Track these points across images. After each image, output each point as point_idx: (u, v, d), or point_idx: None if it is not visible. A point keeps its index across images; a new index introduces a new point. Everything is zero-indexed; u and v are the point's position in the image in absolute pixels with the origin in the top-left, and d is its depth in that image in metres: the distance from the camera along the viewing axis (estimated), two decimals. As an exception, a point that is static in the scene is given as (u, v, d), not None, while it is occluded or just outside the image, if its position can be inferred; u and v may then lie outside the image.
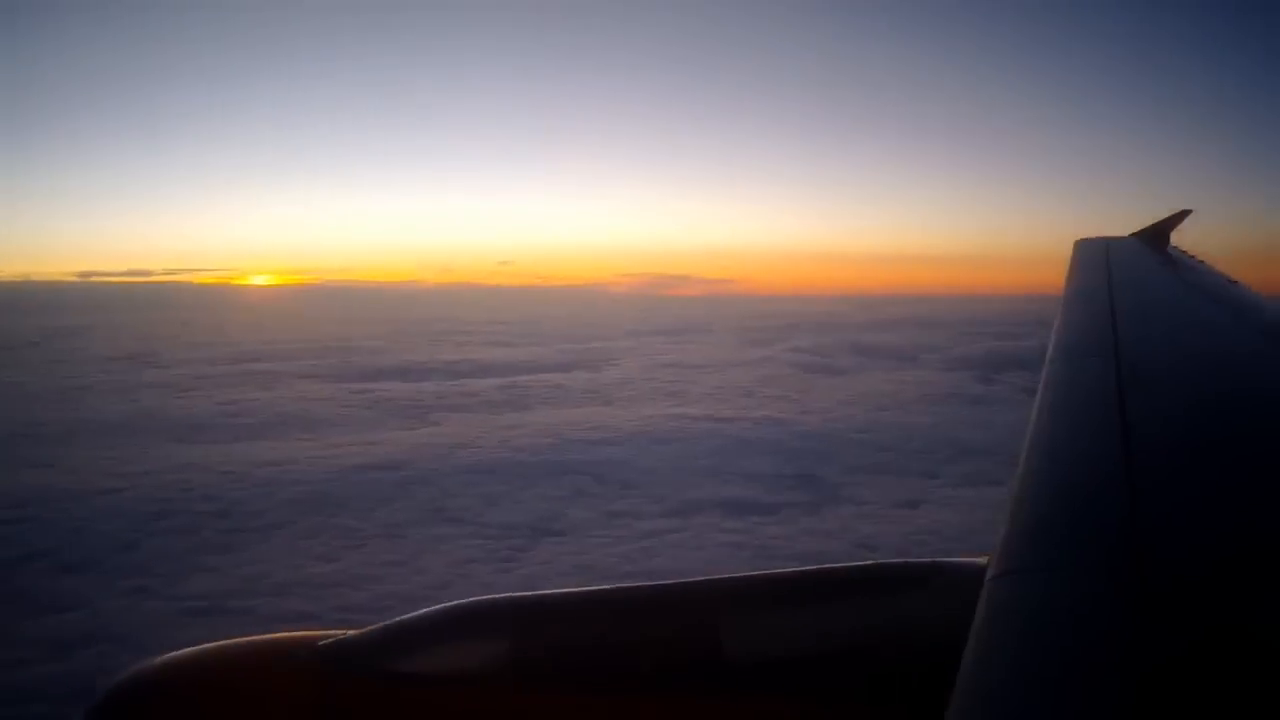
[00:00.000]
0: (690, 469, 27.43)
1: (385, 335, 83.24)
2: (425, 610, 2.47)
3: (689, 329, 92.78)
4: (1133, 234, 7.00)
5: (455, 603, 2.49)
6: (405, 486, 25.88)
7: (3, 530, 21.81)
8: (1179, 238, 6.77)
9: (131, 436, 33.95)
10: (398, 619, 2.45)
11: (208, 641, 2.51)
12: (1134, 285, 5.08)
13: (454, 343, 76.44)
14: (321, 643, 2.39)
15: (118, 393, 46.10)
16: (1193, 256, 6.13)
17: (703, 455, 29.25)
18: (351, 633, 2.44)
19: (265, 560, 19.82)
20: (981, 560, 1.85)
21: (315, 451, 30.80)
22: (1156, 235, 6.72)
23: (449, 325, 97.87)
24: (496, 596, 2.51)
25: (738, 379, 50.62)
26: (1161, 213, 7.08)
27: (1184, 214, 6.82)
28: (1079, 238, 6.77)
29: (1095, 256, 5.89)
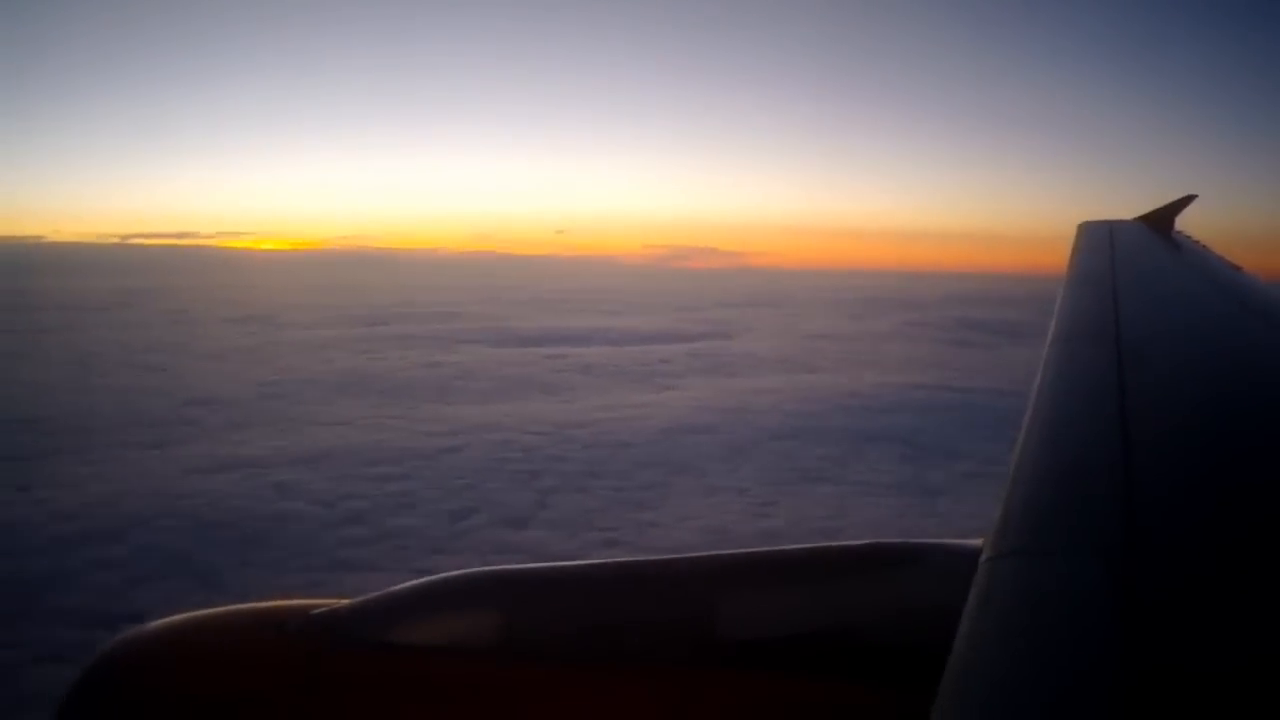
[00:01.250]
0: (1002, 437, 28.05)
1: (472, 301, 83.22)
2: (419, 581, 2.48)
3: (766, 301, 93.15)
4: (1137, 218, 6.97)
5: (450, 574, 2.50)
6: (739, 449, 26.44)
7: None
8: (1183, 223, 6.73)
9: (387, 396, 34.35)
10: (391, 589, 2.46)
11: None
12: (1137, 269, 5.08)
13: (563, 310, 76.60)
14: (314, 612, 2.39)
15: (305, 353, 46.31)
16: (1197, 242, 6.14)
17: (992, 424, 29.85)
18: (346, 602, 2.45)
19: (703, 514, 20.37)
20: (977, 542, 1.85)
21: (594, 414, 31.28)
22: (1161, 220, 6.71)
23: (520, 291, 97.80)
24: (491, 568, 2.54)
25: (902, 350, 51.24)
26: (1167, 197, 7.01)
27: (1189, 199, 6.83)
28: (1082, 220, 6.78)
29: (1099, 239, 5.87)
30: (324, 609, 2.40)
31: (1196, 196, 6.82)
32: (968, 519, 16.43)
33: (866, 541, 2.49)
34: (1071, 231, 6.54)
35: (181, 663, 2.30)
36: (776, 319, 71.55)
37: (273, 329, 58.38)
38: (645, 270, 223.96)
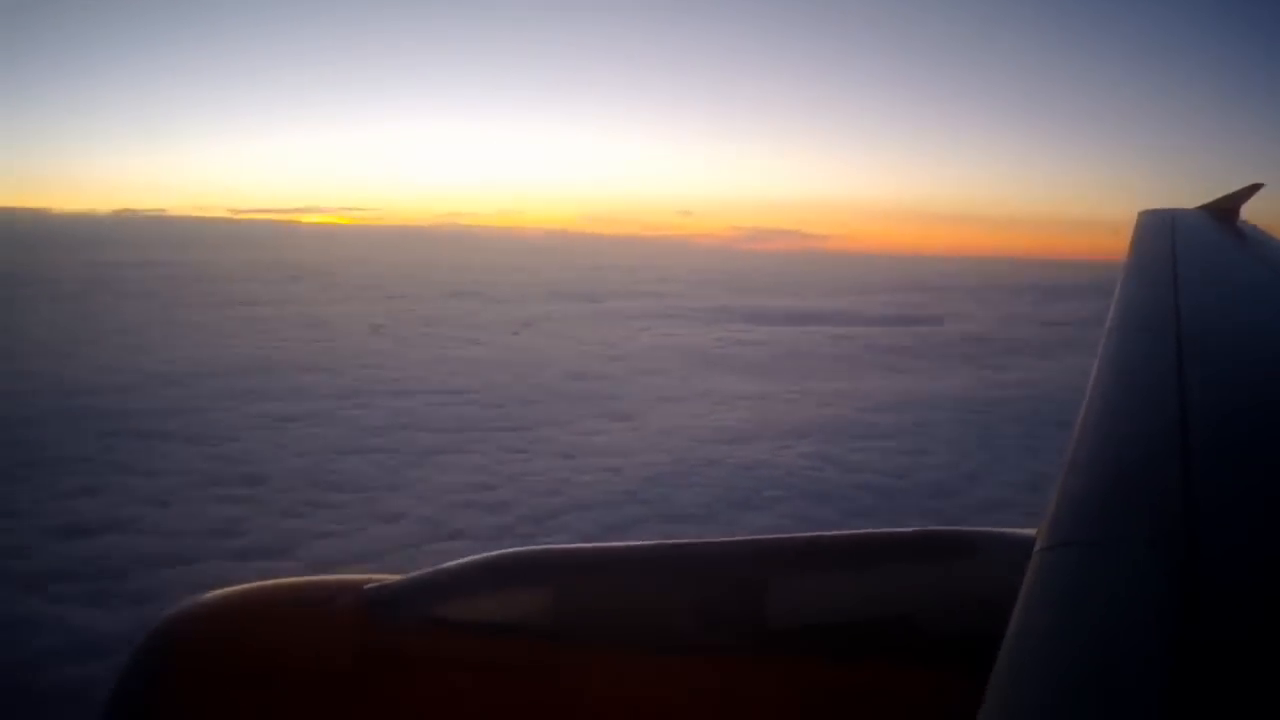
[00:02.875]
0: None
1: (647, 280, 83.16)
2: (470, 558, 2.47)
3: (901, 286, 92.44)
4: (1200, 206, 6.81)
5: (500, 552, 2.50)
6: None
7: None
8: (1249, 212, 6.50)
9: (758, 373, 34.42)
10: (443, 565, 2.47)
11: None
12: (1199, 259, 5.00)
13: (749, 290, 76.41)
14: (366, 587, 2.40)
15: (591, 329, 46.48)
16: (1263, 231, 5.96)
17: None
18: (396, 578, 2.46)
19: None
20: (1031, 532, 1.84)
21: (981, 391, 31.19)
22: (1225, 209, 6.50)
23: (659, 270, 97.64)
24: (542, 547, 2.56)
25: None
26: (1231, 186, 6.77)
27: (1255, 188, 6.61)
28: (1144, 209, 6.59)
29: (1160, 228, 5.77)
30: (376, 584, 2.40)
31: (1263, 185, 6.58)
32: None
33: (919, 529, 2.46)
34: (1133, 218, 6.29)
35: (234, 636, 2.32)
36: (955, 303, 70.98)
37: (489, 304, 58.48)
38: (735, 251, 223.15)
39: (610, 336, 44.09)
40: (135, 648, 2.36)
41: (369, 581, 2.44)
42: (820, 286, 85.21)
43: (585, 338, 43.48)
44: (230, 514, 17.49)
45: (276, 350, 37.52)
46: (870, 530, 2.55)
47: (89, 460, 20.97)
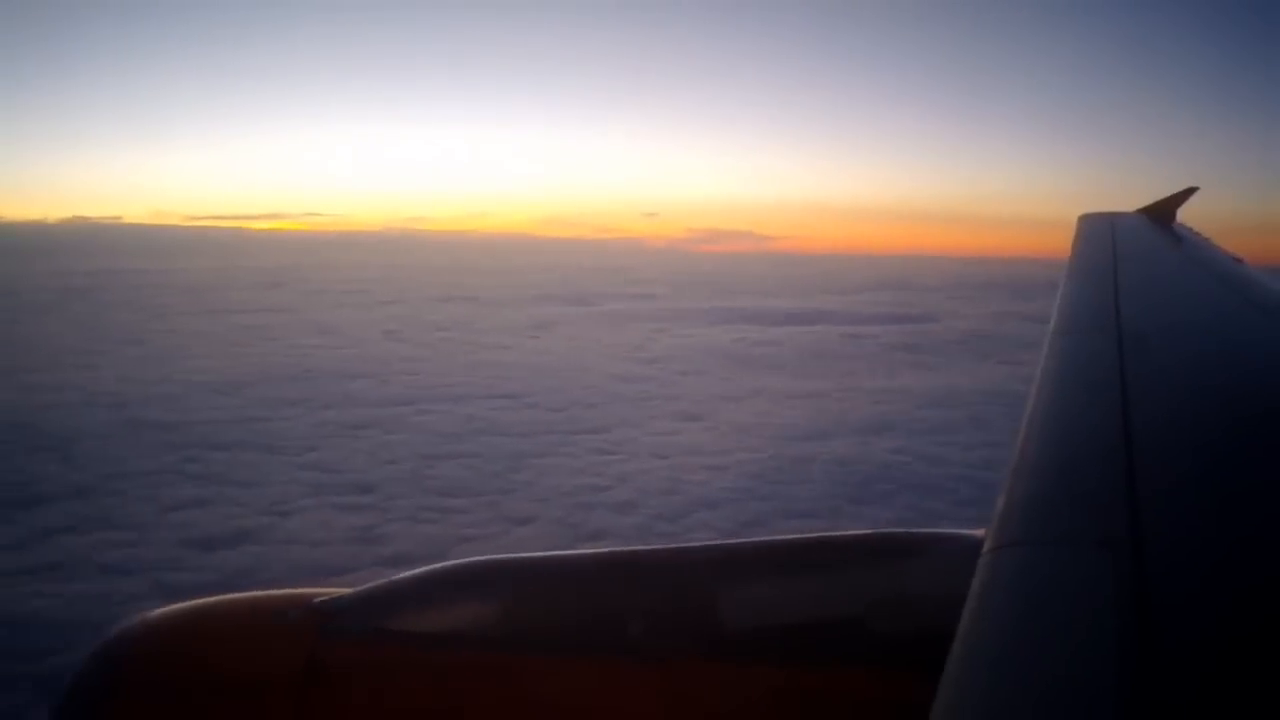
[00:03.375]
0: None
1: (620, 282, 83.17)
2: (421, 569, 2.49)
3: (876, 286, 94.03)
4: (1138, 210, 6.99)
5: (452, 563, 2.52)
6: None
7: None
8: (1184, 215, 6.75)
9: (796, 371, 34.73)
10: (393, 578, 2.48)
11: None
12: (1138, 260, 5.11)
13: (740, 293, 76.88)
14: (316, 600, 2.39)
15: (582, 336, 46.37)
16: (1198, 234, 6.17)
17: None
18: (346, 591, 2.45)
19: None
20: (979, 532, 1.89)
21: (1013, 385, 31.92)
22: (1162, 212, 6.71)
23: (617, 276, 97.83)
24: (494, 557, 2.57)
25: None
26: (1168, 190, 7.04)
27: (1190, 191, 6.84)
28: (1083, 212, 6.79)
29: (1099, 231, 5.89)
30: (325, 597, 2.40)
31: (1198, 189, 6.86)
32: None
33: (871, 530, 2.53)
34: (1072, 218, 6.55)
35: (182, 651, 2.32)
36: (935, 302, 72.37)
37: (504, 309, 57.97)
38: (693, 254, 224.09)
39: (629, 339, 44.12)
40: (79, 667, 2.31)
41: (319, 595, 2.41)
42: (796, 287, 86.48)
43: (604, 340, 43.43)
44: (360, 522, 17.12)
45: (304, 357, 36.73)
46: (822, 534, 2.57)
47: (177, 472, 20.32)
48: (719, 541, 2.55)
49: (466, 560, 2.50)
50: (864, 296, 76.11)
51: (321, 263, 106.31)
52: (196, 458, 21.51)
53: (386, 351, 38.95)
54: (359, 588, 2.43)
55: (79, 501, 17.93)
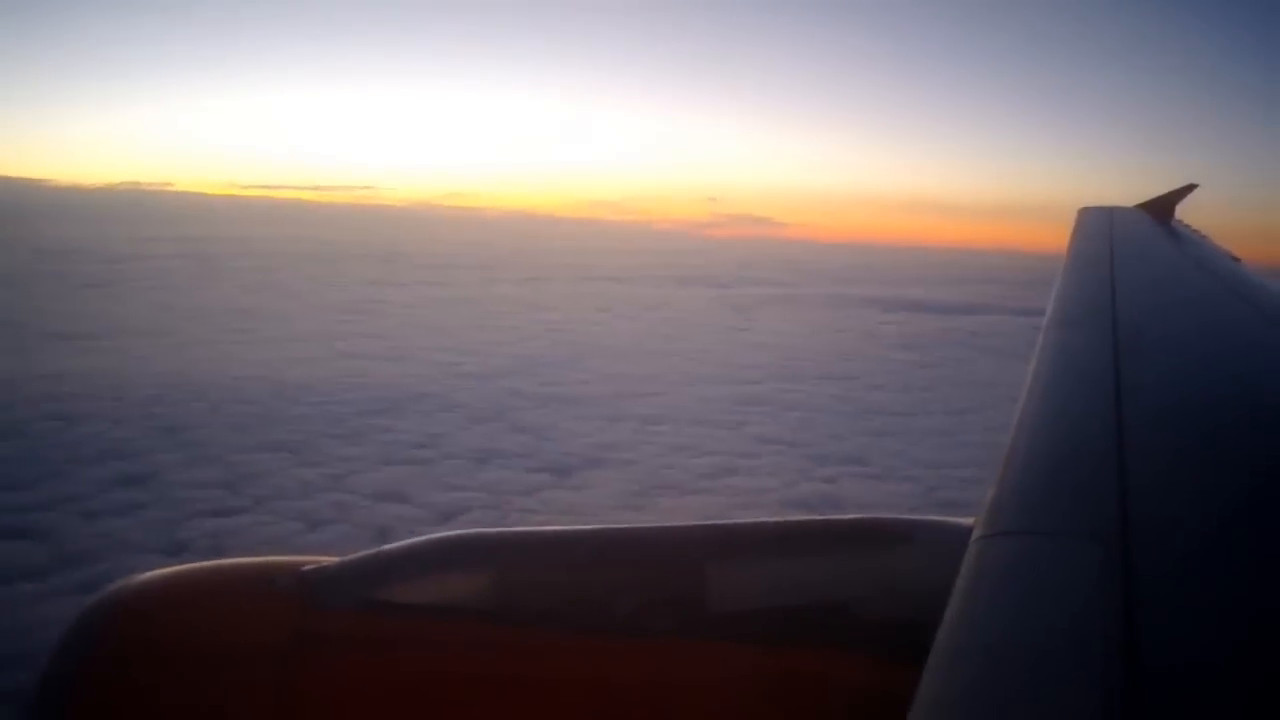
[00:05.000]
0: None
1: (707, 265, 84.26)
2: (411, 540, 2.48)
3: (950, 278, 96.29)
4: (1137, 205, 7.03)
5: (442, 534, 2.51)
6: None
7: None
8: (1182, 211, 6.79)
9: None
10: (383, 548, 2.47)
11: None
12: (1136, 256, 5.12)
13: (827, 279, 78.31)
14: (304, 568, 2.38)
15: (791, 319, 47.72)
16: (1196, 231, 6.19)
17: None
18: (335, 560, 2.43)
19: None
20: (968, 521, 1.87)
21: None
22: (1161, 208, 6.74)
23: (692, 259, 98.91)
24: (484, 530, 2.57)
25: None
26: (1167, 185, 7.06)
27: (1189, 188, 6.86)
28: (1084, 206, 6.84)
29: (1098, 225, 5.89)
30: (314, 565, 2.41)
31: (1197, 186, 6.90)
32: None
33: (858, 516, 2.54)
34: (1072, 214, 6.61)
35: (168, 618, 2.32)
36: (999, 294, 74.40)
37: (654, 290, 58.86)
38: (712, 239, 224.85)
39: (826, 323, 45.53)
40: (63, 632, 2.30)
41: (307, 563, 2.41)
42: (874, 276, 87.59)
43: (810, 324, 44.76)
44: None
45: (583, 333, 37.65)
46: (809, 517, 2.62)
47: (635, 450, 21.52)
48: (709, 522, 2.59)
49: (457, 532, 2.52)
50: (954, 288, 78.08)
51: (408, 238, 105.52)
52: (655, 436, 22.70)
53: (649, 329, 39.94)
54: (348, 556, 2.43)
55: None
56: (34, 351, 29.81)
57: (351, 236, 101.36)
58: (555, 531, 2.59)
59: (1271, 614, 1.32)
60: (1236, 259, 5.11)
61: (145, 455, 19.42)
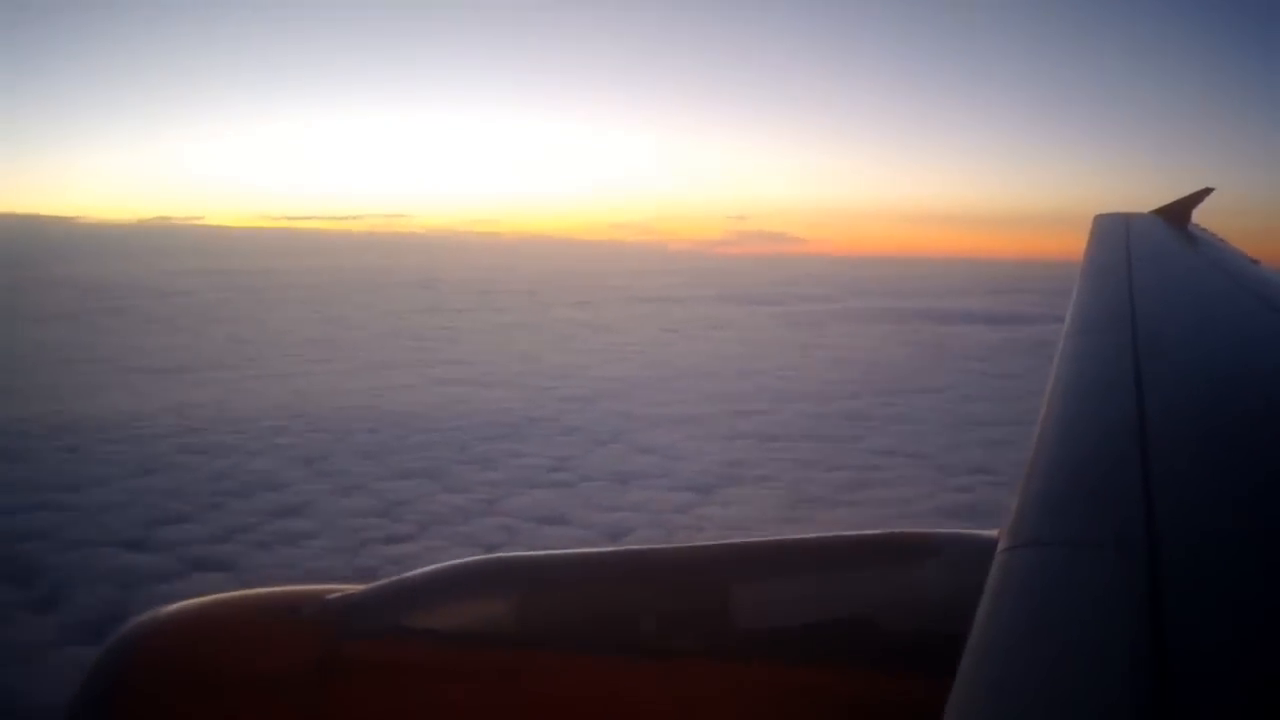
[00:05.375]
0: None
1: (741, 285, 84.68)
2: (433, 567, 2.50)
3: (982, 289, 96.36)
4: (1153, 211, 6.98)
5: (464, 560, 2.52)
6: None
7: None
8: (1199, 216, 6.75)
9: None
10: (406, 575, 2.49)
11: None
12: (1153, 261, 5.13)
13: (869, 294, 78.60)
14: (329, 598, 2.40)
15: (856, 335, 47.91)
16: (1213, 235, 6.18)
17: None
18: (359, 588, 2.46)
19: None
20: (992, 533, 1.88)
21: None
22: (1177, 213, 6.70)
23: (737, 278, 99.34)
24: (505, 555, 2.58)
25: None
26: (1183, 190, 6.97)
27: (1206, 192, 6.80)
28: (1098, 213, 6.82)
29: (1114, 231, 5.89)
30: (339, 594, 2.42)
31: (1213, 190, 6.81)
32: None
33: (882, 531, 2.52)
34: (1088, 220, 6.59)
35: (196, 647, 2.33)
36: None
37: (708, 308, 59.20)
38: (725, 257, 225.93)
39: (889, 336, 45.74)
40: (93, 662, 2.33)
41: (332, 592, 2.43)
42: (902, 288, 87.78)
43: (875, 338, 45.01)
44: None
45: (658, 355, 37.98)
46: (833, 533, 2.57)
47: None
48: (730, 540, 2.58)
49: (478, 558, 2.52)
50: (994, 298, 78.13)
51: (440, 264, 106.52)
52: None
53: (722, 349, 40.25)
54: (372, 584, 2.44)
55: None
56: (135, 387, 30.28)
57: (388, 264, 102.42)
58: (576, 554, 2.61)
59: None
60: (1255, 261, 5.06)
61: (292, 486, 19.71)
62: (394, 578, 2.45)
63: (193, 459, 21.66)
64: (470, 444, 23.33)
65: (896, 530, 2.49)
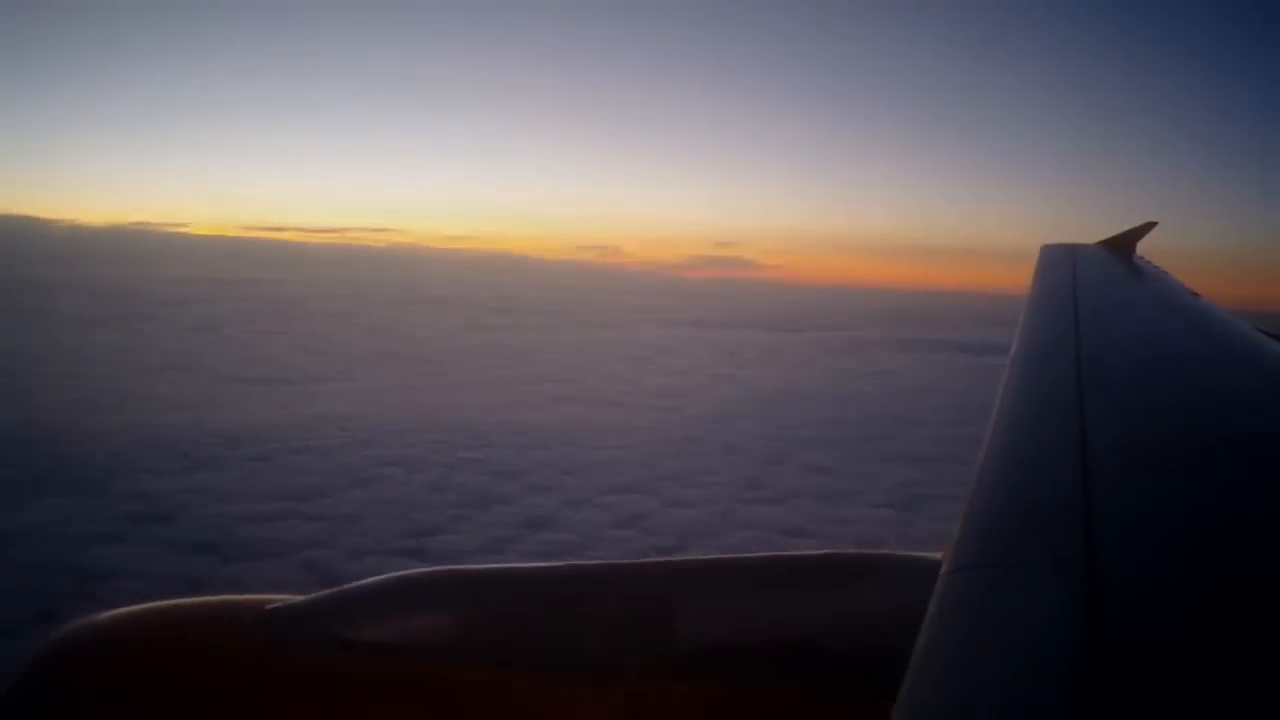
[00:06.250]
0: None
1: (737, 309, 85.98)
2: (377, 578, 2.42)
3: (985, 320, 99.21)
4: (1099, 242, 7.13)
5: (408, 572, 2.44)
6: None
7: None
8: (1144, 248, 6.87)
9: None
10: (348, 586, 2.39)
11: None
12: (1098, 292, 5.20)
13: (872, 324, 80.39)
14: (269, 607, 2.31)
15: (907, 362, 49.32)
16: (1157, 267, 6.31)
17: None
18: (300, 599, 2.37)
19: None
20: (936, 555, 1.90)
21: None
22: (1122, 244, 6.86)
23: (721, 302, 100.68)
24: (449, 568, 2.49)
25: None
26: (1128, 223, 7.14)
27: (1150, 225, 7.04)
28: (1044, 243, 6.97)
29: (1061, 261, 6.03)
30: (278, 604, 2.33)
31: (1157, 223, 7.07)
32: None
33: (824, 551, 2.47)
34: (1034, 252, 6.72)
35: (128, 657, 2.23)
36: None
37: (735, 333, 60.25)
38: (688, 280, 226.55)
39: (934, 365, 47.34)
40: (16, 674, 2.22)
41: (271, 602, 2.36)
42: (901, 319, 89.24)
43: (923, 366, 46.40)
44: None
45: (741, 380, 39.14)
46: (775, 553, 2.57)
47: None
48: (675, 558, 2.57)
49: (421, 570, 2.49)
50: (995, 330, 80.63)
51: (438, 279, 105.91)
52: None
53: (792, 374, 41.30)
54: (313, 595, 2.40)
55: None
56: (253, 398, 30.24)
57: (390, 278, 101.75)
58: (521, 568, 2.59)
59: (1237, 643, 1.34)
60: (1195, 294, 5.12)
61: (519, 499, 20.23)
62: (335, 588, 2.39)
63: (390, 470, 22.06)
64: (652, 461, 23.92)
65: (837, 550, 2.47)
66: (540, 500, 20.25)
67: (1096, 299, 4.82)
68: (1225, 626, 1.38)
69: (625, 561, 2.51)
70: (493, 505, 19.71)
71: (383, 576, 2.39)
